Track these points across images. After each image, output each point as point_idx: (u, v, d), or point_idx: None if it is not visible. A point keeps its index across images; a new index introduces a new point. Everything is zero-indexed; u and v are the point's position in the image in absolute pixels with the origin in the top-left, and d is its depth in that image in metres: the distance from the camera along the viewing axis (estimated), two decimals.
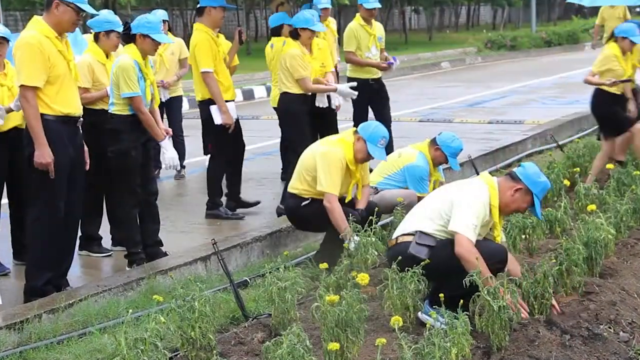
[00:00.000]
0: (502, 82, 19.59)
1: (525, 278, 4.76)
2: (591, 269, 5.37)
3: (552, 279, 4.75)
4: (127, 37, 6.28)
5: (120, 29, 6.56)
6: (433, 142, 6.96)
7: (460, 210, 4.67)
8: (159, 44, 6.31)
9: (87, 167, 5.99)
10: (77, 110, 5.67)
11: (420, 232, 4.78)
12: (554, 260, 5.05)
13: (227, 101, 7.71)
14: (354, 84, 8.43)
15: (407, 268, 4.65)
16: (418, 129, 12.71)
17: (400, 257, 4.69)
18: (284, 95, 7.97)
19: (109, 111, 6.32)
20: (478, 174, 7.92)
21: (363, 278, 4.65)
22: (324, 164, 5.90)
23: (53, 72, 5.45)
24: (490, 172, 8.97)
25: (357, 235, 5.58)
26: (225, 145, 7.81)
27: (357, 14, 9.44)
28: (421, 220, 4.86)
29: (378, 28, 9.49)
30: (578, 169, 7.99)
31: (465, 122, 13.48)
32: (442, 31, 39.64)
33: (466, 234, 4.59)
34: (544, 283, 4.68)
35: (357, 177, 6.08)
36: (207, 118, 7.74)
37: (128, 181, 6.29)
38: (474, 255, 4.50)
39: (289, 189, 6.21)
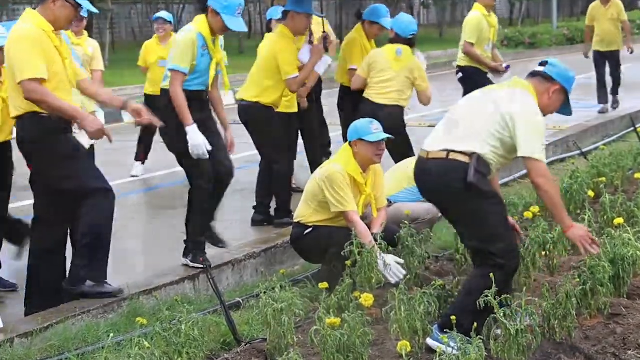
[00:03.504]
0: None
1: (546, 299, 4.76)
2: (618, 289, 5.37)
3: (575, 299, 4.76)
4: (202, 7, 6.26)
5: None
6: None
7: (526, 131, 4.63)
8: (228, 28, 6.23)
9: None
10: None
11: (479, 155, 4.65)
12: (577, 279, 5.04)
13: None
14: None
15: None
16: (428, 134, 12.68)
17: (448, 175, 4.67)
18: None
19: (162, 86, 6.28)
20: None
21: (367, 299, 4.66)
22: (329, 187, 5.98)
23: (51, 69, 5.37)
24: (506, 183, 9.12)
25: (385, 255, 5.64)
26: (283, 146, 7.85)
27: (476, 3, 9.58)
28: (471, 138, 4.71)
29: (495, 19, 9.68)
30: (604, 178, 7.96)
31: None
32: (454, 27, 39.64)
33: (542, 158, 4.60)
34: (566, 304, 4.68)
35: (367, 192, 6.15)
36: (251, 120, 7.81)
37: (193, 162, 6.17)
38: (553, 184, 4.59)
39: (295, 219, 6.32)
